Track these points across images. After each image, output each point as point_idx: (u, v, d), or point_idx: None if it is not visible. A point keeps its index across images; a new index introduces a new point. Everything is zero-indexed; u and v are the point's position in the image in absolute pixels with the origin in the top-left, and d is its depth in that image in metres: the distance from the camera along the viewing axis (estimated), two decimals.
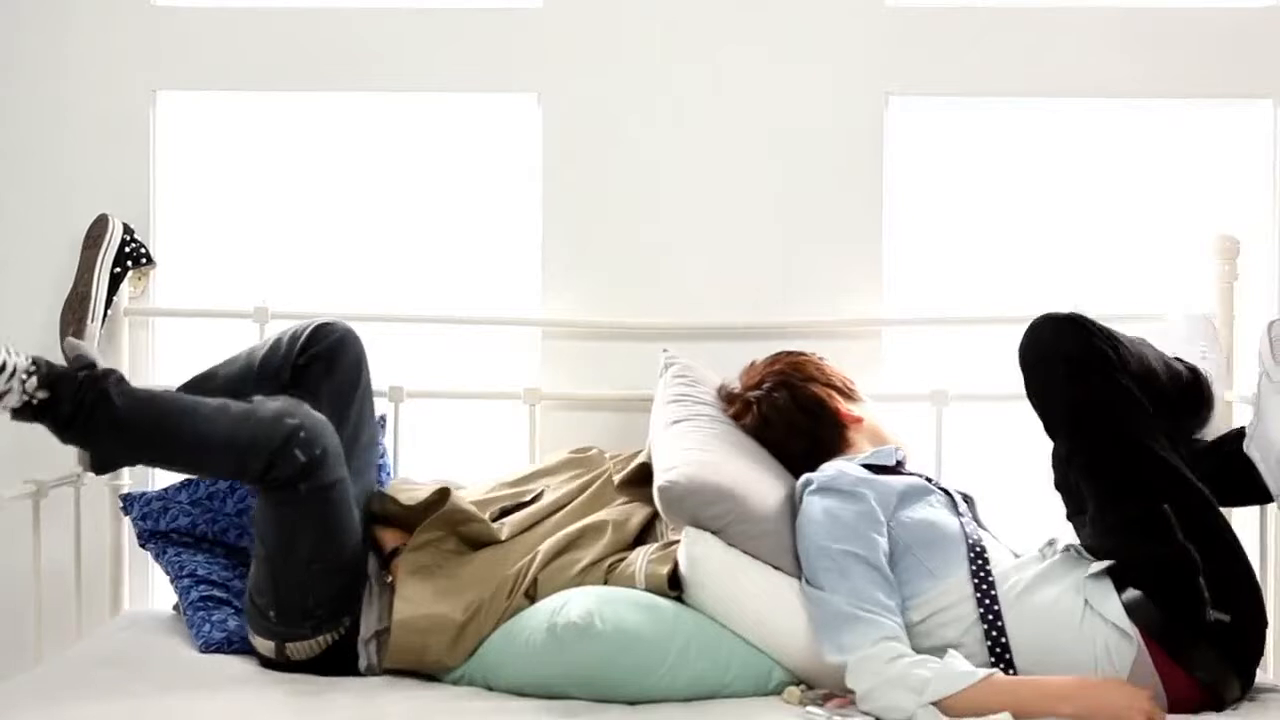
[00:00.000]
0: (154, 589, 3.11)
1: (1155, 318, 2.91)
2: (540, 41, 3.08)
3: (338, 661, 2.50)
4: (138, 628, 2.77)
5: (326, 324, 2.68)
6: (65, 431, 2.41)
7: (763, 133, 3.08)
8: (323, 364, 2.66)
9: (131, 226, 3.04)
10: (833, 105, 3.08)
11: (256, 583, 2.51)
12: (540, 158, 3.09)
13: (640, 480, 2.67)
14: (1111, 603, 2.25)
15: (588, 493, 2.72)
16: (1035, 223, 3.13)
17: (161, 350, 3.12)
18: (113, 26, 3.10)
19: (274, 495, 2.46)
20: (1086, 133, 3.13)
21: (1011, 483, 2.91)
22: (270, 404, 2.49)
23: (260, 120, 3.18)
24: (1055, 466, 2.41)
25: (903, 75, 3.08)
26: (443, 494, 2.59)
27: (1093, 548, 2.33)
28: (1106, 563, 2.29)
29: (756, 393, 2.68)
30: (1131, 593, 2.25)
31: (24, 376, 2.35)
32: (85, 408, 2.37)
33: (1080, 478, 2.35)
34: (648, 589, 2.42)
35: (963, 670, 2.20)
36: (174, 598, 2.78)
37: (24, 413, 2.38)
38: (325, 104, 3.18)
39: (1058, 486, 2.42)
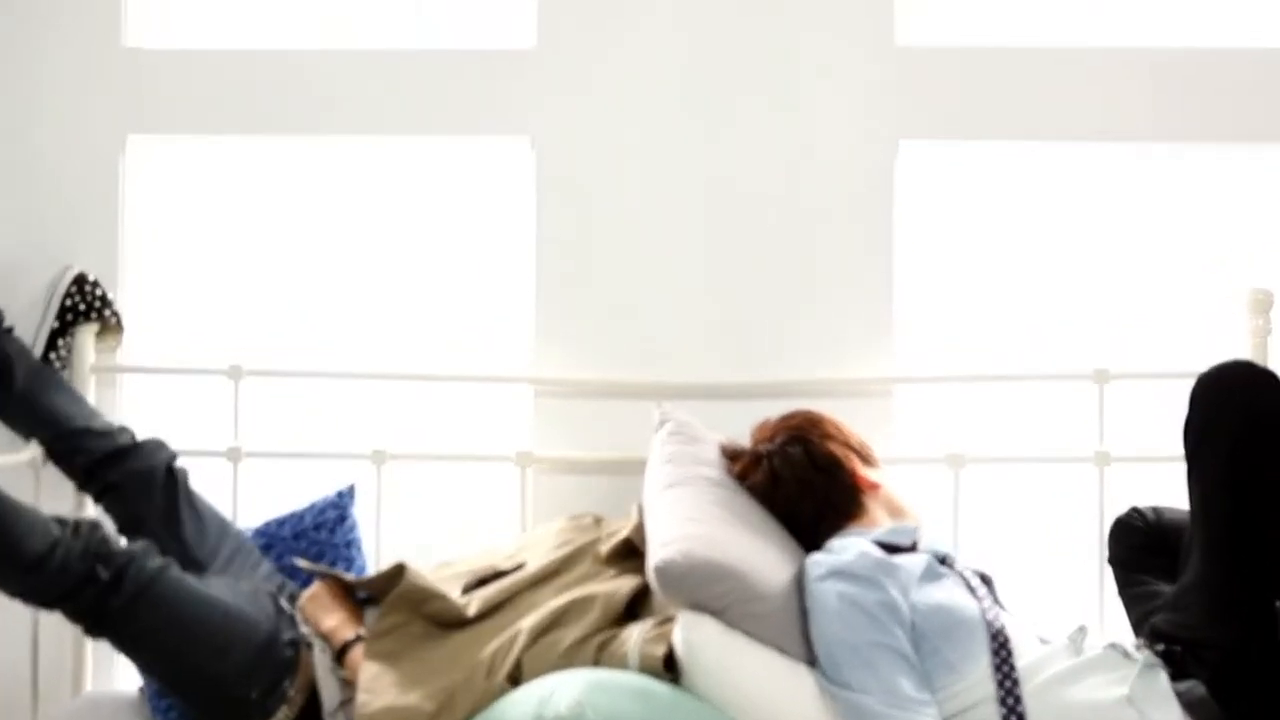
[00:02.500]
0: (117, 668, 2.98)
1: (1184, 376, 2.74)
2: (533, 83, 3.02)
3: None
4: (99, 712, 2.65)
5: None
6: None
7: (767, 179, 3.01)
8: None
9: (91, 277, 2.96)
10: (840, 150, 3.00)
11: (183, 711, 2.42)
12: (533, 204, 3.02)
13: (629, 552, 2.53)
14: (1169, 710, 2.08)
15: (573, 564, 2.56)
16: (1056, 274, 3.05)
17: (129, 410, 3.02)
18: (83, 68, 3.04)
19: (107, 626, 2.37)
20: (1110, 179, 3.06)
21: (1032, 551, 2.85)
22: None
23: (236, 166, 3.12)
24: (1130, 535, 2.31)
25: (914, 119, 3.01)
26: (398, 570, 2.45)
27: (1165, 627, 2.17)
28: (1146, 650, 2.13)
29: (768, 446, 2.56)
30: (1191, 693, 2.08)
31: None
32: None
33: (1205, 543, 2.18)
34: (642, 670, 2.27)
35: None
36: (138, 678, 2.65)
37: None
38: (305, 149, 3.12)
39: (1115, 561, 2.31)
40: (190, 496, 2.68)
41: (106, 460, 2.68)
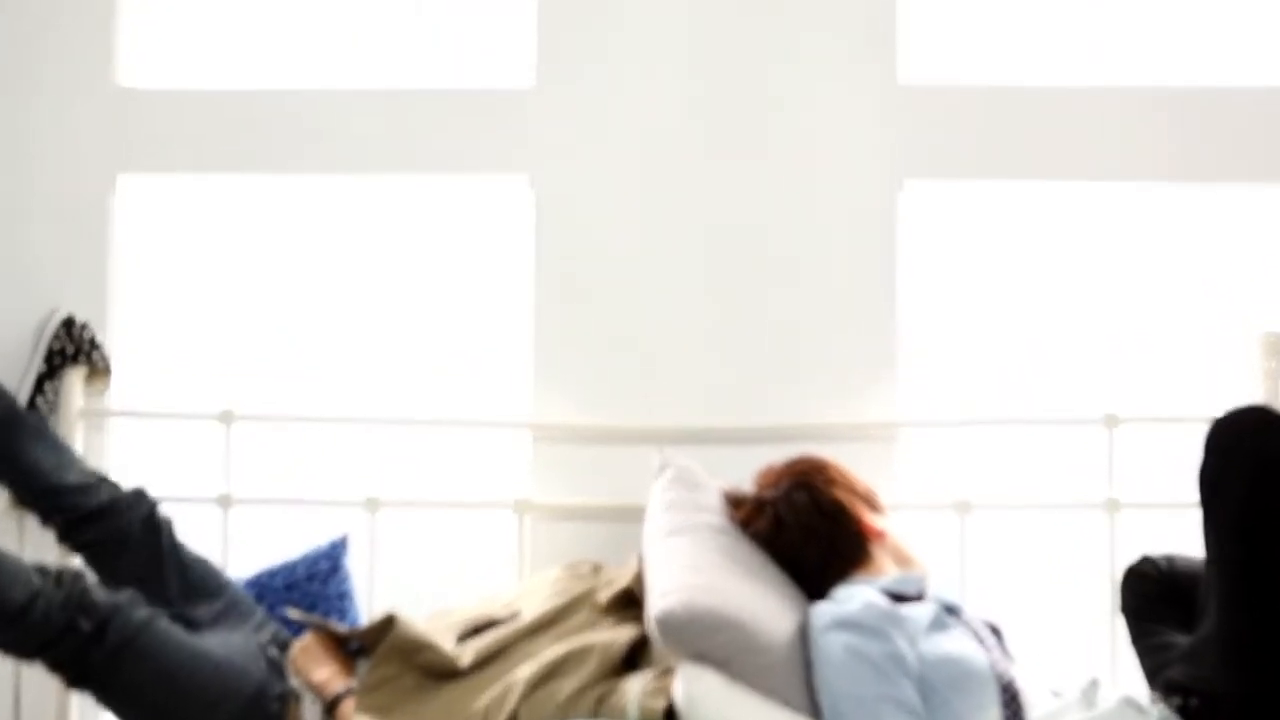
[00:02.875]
0: None
1: (1195, 420, 2.71)
2: (533, 123, 3.01)
3: None
4: None
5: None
6: None
7: (768, 220, 2.98)
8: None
9: (80, 320, 2.93)
10: (843, 189, 2.98)
11: None
12: (532, 244, 3.00)
13: (628, 601, 2.50)
14: None
15: (570, 613, 2.52)
16: (1063, 315, 3.02)
17: (118, 455, 2.98)
18: (74, 108, 3.03)
19: (90, 679, 2.32)
20: (1117, 219, 3.04)
21: (1042, 600, 2.83)
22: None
23: (231, 207, 3.10)
24: (1143, 584, 2.29)
25: (917, 158, 2.99)
26: (389, 621, 2.40)
27: (1180, 680, 2.14)
28: (1162, 704, 2.09)
29: (773, 492, 2.54)
30: None
31: None
32: None
33: (1221, 593, 2.14)
34: None
35: None
36: None
37: None
38: (302, 189, 3.11)
39: (1128, 610, 2.29)
40: (176, 548, 2.62)
41: (84, 520, 2.61)
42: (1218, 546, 2.20)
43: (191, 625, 2.47)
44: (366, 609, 2.83)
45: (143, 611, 2.35)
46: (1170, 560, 2.49)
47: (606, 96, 3.00)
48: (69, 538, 2.64)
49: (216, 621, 2.53)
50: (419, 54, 3.07)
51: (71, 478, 2.65)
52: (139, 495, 2.66)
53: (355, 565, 2.83)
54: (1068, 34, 3.02)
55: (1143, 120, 2.95)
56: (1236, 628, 2.15)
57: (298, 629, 2.57)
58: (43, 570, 2.32)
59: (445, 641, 2.44)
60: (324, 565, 2.79)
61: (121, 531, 2.60)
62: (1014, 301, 3.03)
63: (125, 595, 2.37)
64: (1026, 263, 3.03)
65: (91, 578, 2.43)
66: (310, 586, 2.76)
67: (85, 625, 2.28)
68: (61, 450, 2.71)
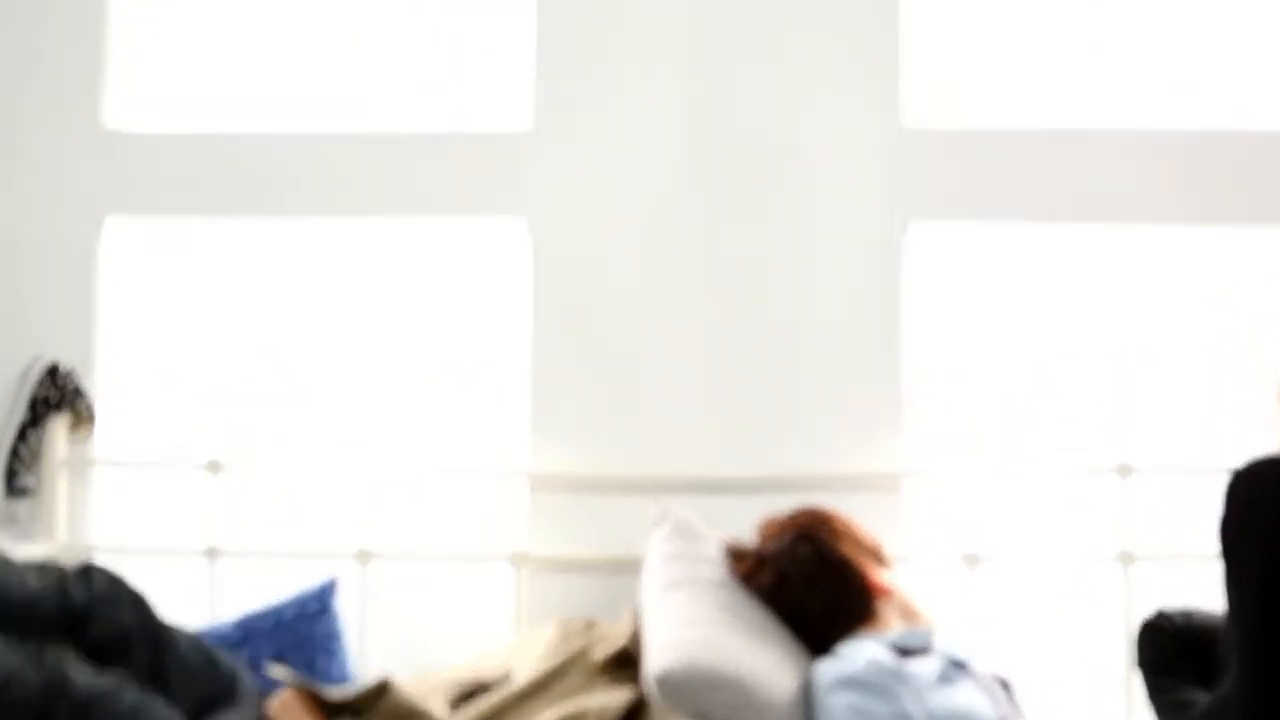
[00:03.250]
0: None
1: (1210, 471, 2.67)
2: (530, 166, 3.01)
3: None
4: None
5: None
6: None
7: (770, 264, 2.97)
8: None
9: (64, 367, 2.93)
10: (845, 232, 2.97)
11: None
12: (530, 288, 2.99)
13: (623, 661, 2.45)
14: None
15: (563, 675, 2.47)
16: (1073, 361, 2.99)
17: (102, 505, 2.96)
18: (62, 150, 3.04)
19: None
20: (1129, 262, 3.02)
21: (1054, 654, 2.80)
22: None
23: (223, 251, 3.10)
24: (1159, 639, 2.28)
25: (921, 200, 2.98)
26: (382, 687, 2.34)
27: None
28: None
29: (775, 546, 2.51)
30: None
31: None
32: None
33: (1242, 649, 2.07)
34: None
35: None
36: None
37: None
38: (298, 232, 3.10)
39: (1145, 665, 2.28)
40: (160, 661, 2.49)
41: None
42: (1239, 601, 2.14)
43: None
44: (358, 661, 2.79)
45: (131, 695, 2.25)
46: (1188, 615, 2.45)
47: (605, 139, 3.00)
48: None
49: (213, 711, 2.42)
50: (417, 97, 3.08)
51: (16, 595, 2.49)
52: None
53: (346, 616, 2.80)
54: (1073, 76, 3.02)
55: (1150, 162, 2.95)
56: (1259, 685, 2.08)
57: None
58: (19, 648, 2.22)
59: (436, 705, 2.37)
60: (313, 606, 2.75)
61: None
62: (1022, 346, 3.01)
63: (110, 680, 2.26)
64: (1034, 307, 3.01)
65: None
66: (298, 627, 2.72)
67: (61, 711, 2.18)
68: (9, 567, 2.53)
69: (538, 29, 3.01)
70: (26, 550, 2.66)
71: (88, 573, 2.30)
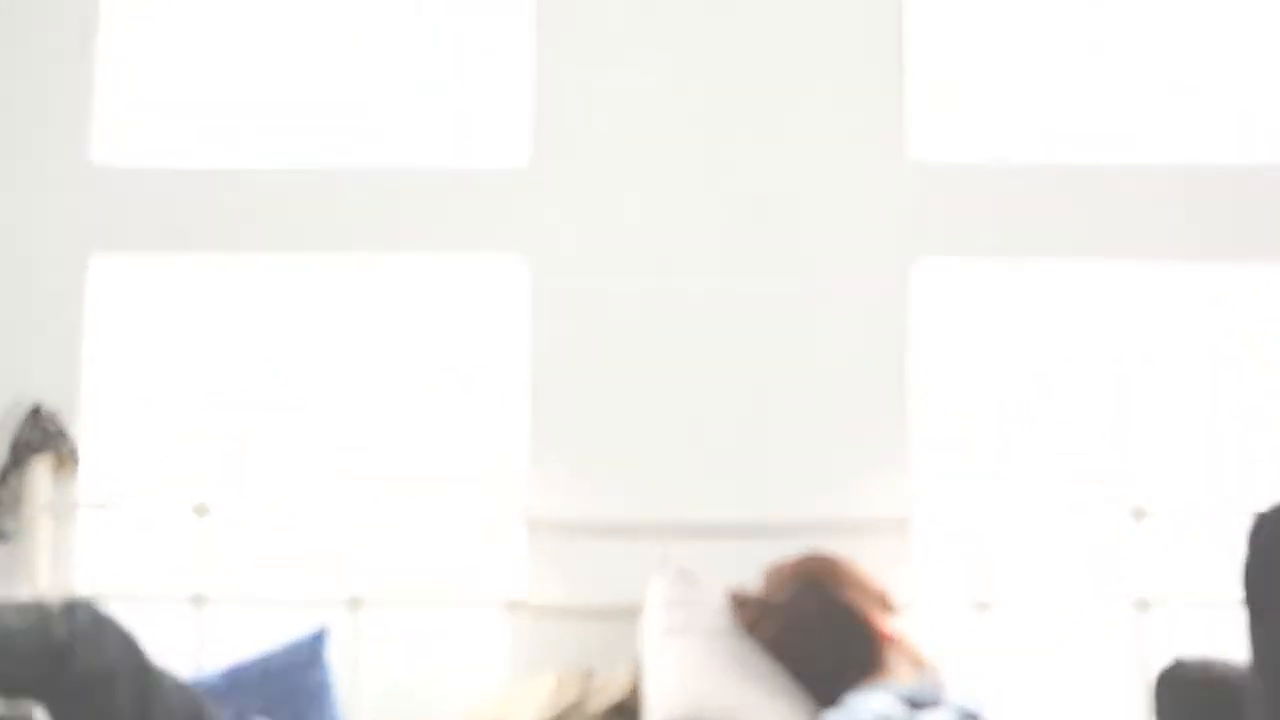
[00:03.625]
0: None
1: (1228, 512, 2.72)
2: (528, 202, 3.01)
3: None
4: None
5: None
6: None
7: (774, 302, 2.96)
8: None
9: (48, 408, 2.91)
10: (852, 269, 2.96)
11: None
12: (529, 327, 2.98)
13: (621, 712, 2.47)
14: None
15: None
16: (1084, 399, 2.97)
17: (86, 549, 2.92)
18: (48, 186, 3.03)
19: None
20: (1142, 298, 3.01)
21: (1068, 702, 2.76)
22: None
23: (212, 289, 3.08)
24: (1178, 689, 2.24)
25: (929, 236, 2.98)
26: None
27: None
28: None
29: (780, 596, 2.49)
30: None
31: None
32: None
33: (1269, 700, 2.03)
34: None
35: None
36: None
37: None
38: (295, 269, 3.09)
39: (1164, 717, 2.24)
40: (146, 708, 2.42)
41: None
42: (1264, 650, 2.08)
43: None
44: (349, 713, 2.76)
45: None
46: (1207, 665, 2.39)
47: (604, 176, 3.00)
48: None
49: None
50: (413, 132, 3.08)
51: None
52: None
53: (337, 664, 2.77)
54: (1083, 109, 3.02)
55: (1163, 197, 2.95)
56: None
57: None
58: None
59: None
60: (303, 656, 2.72)
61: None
62: (1033, 385, 2.99)
63: None
64: (1045, 344, 3.00)
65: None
66: (288, 677, 2.68)
67: None
68: None
69: (535, 65, 3.02)
70: (5, 596, 2.64)
71: (72, 608, 2.22)
